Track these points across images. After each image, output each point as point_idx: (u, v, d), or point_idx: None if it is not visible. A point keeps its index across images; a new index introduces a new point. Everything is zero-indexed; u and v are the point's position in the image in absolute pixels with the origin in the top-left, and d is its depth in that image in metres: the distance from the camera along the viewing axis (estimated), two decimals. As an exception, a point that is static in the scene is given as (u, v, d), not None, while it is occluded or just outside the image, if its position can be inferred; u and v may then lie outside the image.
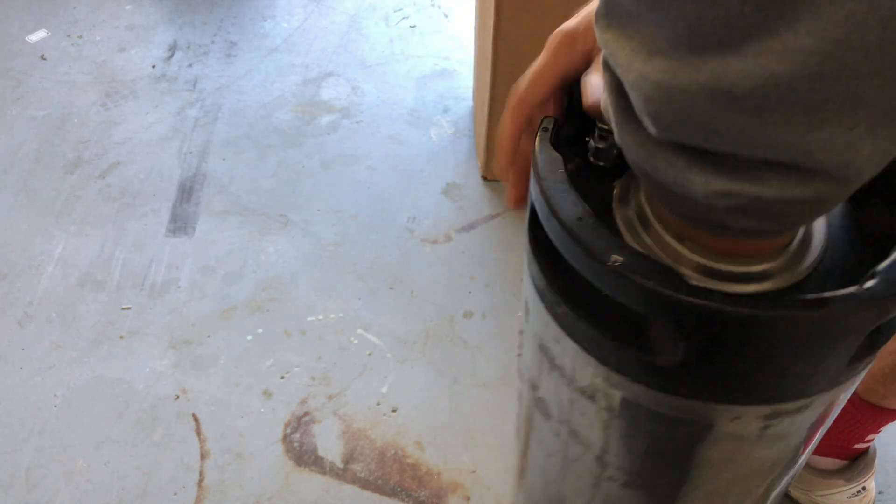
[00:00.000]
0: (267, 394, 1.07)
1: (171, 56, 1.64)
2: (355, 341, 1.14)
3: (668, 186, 0.26)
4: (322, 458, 1.01)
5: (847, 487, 0.91)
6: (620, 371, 0.33)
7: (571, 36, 0.37)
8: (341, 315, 1.17)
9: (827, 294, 0.27)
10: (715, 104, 0.22)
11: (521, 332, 0.45)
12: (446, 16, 1.74)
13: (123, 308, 1.18)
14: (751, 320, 0.27)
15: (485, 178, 1.37)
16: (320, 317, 1.17)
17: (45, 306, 1.18)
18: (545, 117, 0.37)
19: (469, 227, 1.30)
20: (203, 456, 1.01)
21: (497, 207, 1.33)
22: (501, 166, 0.40)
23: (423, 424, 1.04)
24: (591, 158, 0.36)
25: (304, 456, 1.01)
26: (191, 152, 1.43)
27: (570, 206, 0.32)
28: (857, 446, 0.89)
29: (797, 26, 0.19)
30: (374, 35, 1.69)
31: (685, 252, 0.31)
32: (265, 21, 1.73)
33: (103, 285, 1.21)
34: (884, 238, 0.33)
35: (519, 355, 0.49)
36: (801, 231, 0.32)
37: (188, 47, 1.66)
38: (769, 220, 0.25)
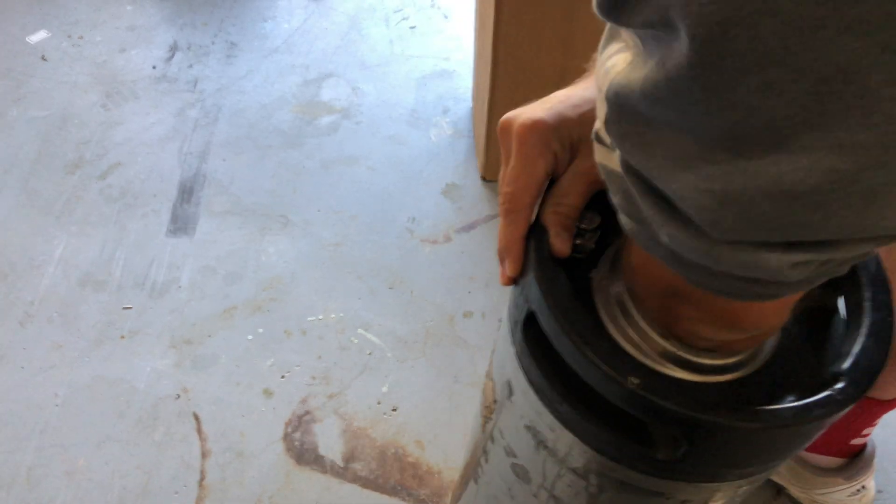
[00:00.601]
0: (268, 393, 1.08)
1: (172, 57, 1.64)
2: (355, 341, 1.14)
3: (728, 272, 0.25)
4: (323, 457, 1.01)
5: (846, 486, 0.91)
6: (617, 460, 0.36)
7: (543, 132, 0.36)
8: (341, 315, 1.17)
9: (809, 401, 0.32)
10: (775, 204, 0.21)
11: (494, 402, 0.45)
12: (446, 16, 1.75)
13: (124, 308, 1.18)
14: (749, 431, 0.31)
15: (484, 179, 1.37)
16: (320, 316, 1.17)
17: (46, 306, 1.18)
18: (537, 226, 0.37)
19: (469, 228, 1.30)
20: (204, 455, 1.01)
21: (496, 208, 1.33)
22: (516, 271, 0.38)
23: (424, 423, 1.04)
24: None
25: (304, 455, 1.01)
26: (191, 153, 1.43)
27: (582, 324, 0.33)
28: (854, 442, 0.89)
29: (849, 121, 0.18)
30: (374, 36, 1.70)
31: (669, 348, 0.34)
32: (265, 22, 1.74)
33: (104, 285, 1.21)
34: (817, 310, 0.37)
35: (487, 418, 0.47)
36: None
37: (189, 48, 1.66)
38: (833, 273, 0.25)
